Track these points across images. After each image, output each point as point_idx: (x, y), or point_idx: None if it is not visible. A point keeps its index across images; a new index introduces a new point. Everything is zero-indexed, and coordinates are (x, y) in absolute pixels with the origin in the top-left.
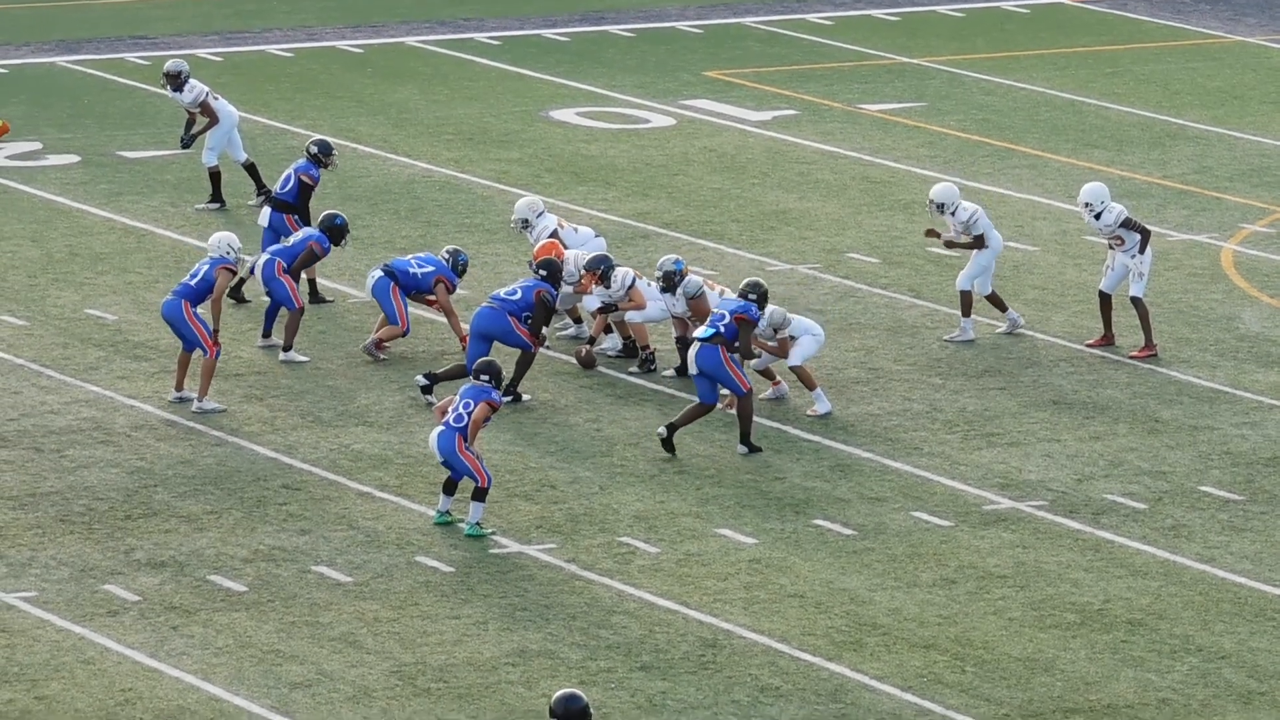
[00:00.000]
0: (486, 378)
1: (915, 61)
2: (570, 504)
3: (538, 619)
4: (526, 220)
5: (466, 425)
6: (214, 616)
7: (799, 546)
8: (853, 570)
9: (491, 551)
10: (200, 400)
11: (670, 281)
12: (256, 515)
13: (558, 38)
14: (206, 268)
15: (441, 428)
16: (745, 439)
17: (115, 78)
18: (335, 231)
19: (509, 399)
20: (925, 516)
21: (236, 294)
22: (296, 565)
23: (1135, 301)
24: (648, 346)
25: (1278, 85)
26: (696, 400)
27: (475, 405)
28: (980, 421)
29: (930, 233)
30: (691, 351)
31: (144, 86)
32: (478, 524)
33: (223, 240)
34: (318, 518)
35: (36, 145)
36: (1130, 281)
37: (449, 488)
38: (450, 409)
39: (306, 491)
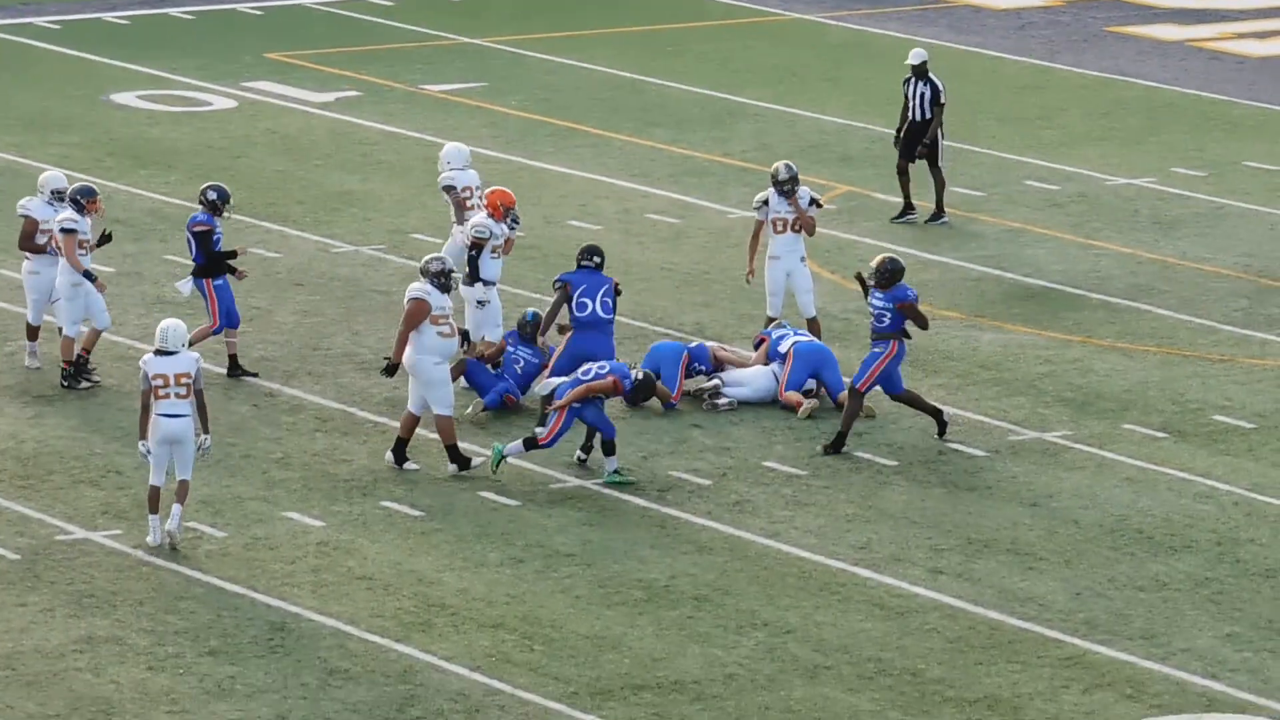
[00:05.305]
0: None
1: (476, 42)
2: (137, 490)
3: (105, 605)
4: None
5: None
6: None
7: (367, 528)
8: (421, 551)
9: (58, 538)
10: None
11: (524, 331)
12: None
13: (118, 21)
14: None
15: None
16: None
17: None
18: (209, 205)
19: None
20: (492, 496)
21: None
22: None
23: None
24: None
25: (834, 62)
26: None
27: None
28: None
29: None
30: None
31: None
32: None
33: None
34: None
35: None
36: None
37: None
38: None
39: None
